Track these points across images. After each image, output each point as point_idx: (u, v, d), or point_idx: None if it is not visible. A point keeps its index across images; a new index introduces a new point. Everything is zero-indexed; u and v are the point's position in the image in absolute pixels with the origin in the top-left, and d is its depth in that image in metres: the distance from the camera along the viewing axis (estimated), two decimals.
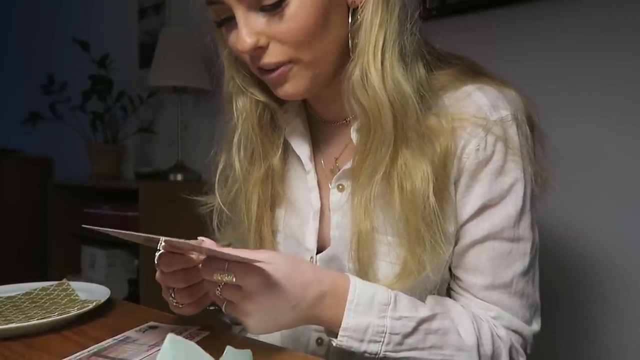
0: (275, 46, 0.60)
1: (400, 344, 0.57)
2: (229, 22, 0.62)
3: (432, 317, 0.59)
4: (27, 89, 2.79)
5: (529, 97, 0.68)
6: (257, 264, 0.51)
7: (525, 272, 0.64)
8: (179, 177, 1.97)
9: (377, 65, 0.60)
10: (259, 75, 0.65)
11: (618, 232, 1.12)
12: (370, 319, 0.57)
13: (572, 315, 1.19)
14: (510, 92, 0.66)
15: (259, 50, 0.60)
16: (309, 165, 0.72)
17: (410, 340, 0.58)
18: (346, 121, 0.71)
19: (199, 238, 0.55)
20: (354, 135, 0.67)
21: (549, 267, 1.15)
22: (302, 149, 0.73)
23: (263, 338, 0.75)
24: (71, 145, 2.51)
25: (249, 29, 0.59)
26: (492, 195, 0.63)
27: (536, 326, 0.67)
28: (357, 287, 0.58)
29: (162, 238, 0.53)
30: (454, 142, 0.62)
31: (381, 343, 0.57)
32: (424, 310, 0.60)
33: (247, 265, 0.52)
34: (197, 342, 0.58)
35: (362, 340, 0.57)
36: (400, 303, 0.59)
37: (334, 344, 0.58)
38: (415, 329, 0.58)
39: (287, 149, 0.75)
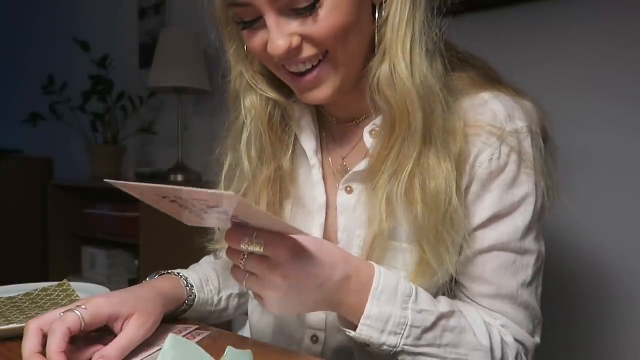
0: (309, 45, 0.59)
1: (418, 338, 0.56)
2: (253, 24, 0.60)
3: (450, 313, 0.58)
4: (27, 89, 2.80)
5: (543, 107, 0.67)
6: (292, 235, 0.49)
7: (529, 284, 0.64)
8: (179, 177, 1.97)
9: (407, 59, 0.58)
10: (289, 80, 0.63)
11: (630, 237, 1.12)
12: (392, 309, 0.55)
13: (586, 320, 1.18)
14: (526, 103, 0.65)
15: (292, 51, 0.59)
16: (313, 159, 0.71)
17: (429, 336, 0.57)
18: (356, 122, 0.70)
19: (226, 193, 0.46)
20: (366, 137, 0.66)
21: (562, 273, 1.15)
22: (308, 142, 0.72)
23: (258, 336, 0.74)
24: (71, 146, 2.51)
25: (281, 32, 0.58)
26: (502, 207, 0.62)
27: (537, 338, 0.66)
28: (382, 275, 0.56)
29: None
30: (467, 148, 0.61)
31: (401, 335, 0.55)
32: (443, 306, 0.59)
33: (277, 235, 0.49)
34: (197, 342, 0.58)
35: (382, 331, 0.55)
36: (420, 296, 0.58)
37: (351, 335, 0.56)
38: (434, 324, 0.57)
39: (296, 148, 0.74)
